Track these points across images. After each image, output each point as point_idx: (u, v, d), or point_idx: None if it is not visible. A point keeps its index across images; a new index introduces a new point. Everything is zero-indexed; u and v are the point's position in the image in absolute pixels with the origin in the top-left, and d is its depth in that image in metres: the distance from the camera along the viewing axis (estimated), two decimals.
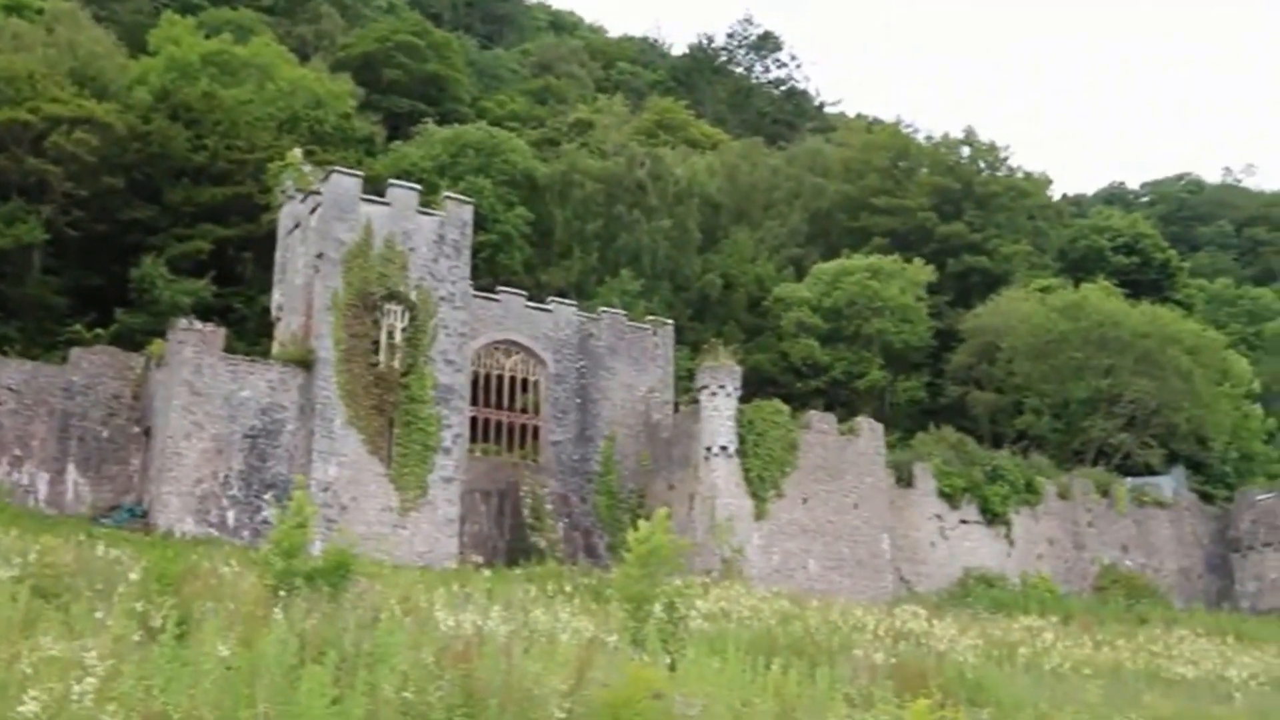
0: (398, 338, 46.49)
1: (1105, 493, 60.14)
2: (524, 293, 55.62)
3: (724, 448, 49.37)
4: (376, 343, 46.13)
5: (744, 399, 51.04)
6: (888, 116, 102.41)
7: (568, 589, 31.93)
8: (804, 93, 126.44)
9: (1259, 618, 53.88)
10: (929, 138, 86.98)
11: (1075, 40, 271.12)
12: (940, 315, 72.14)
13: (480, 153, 66.96)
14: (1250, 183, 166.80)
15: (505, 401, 53.59)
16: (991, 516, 56.67)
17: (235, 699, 11.62)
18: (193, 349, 44.63)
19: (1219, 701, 25.77)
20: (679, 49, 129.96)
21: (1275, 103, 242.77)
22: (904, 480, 55.23)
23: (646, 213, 68.14)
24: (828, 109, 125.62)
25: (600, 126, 78.18)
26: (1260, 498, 61.43)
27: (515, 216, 65.54)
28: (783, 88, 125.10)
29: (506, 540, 50.19)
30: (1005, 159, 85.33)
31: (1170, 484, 63.25)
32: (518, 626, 21.16)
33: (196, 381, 44.38)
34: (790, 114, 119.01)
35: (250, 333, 53.28)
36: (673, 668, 17.80)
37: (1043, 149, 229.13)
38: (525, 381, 54.27)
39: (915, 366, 70.51)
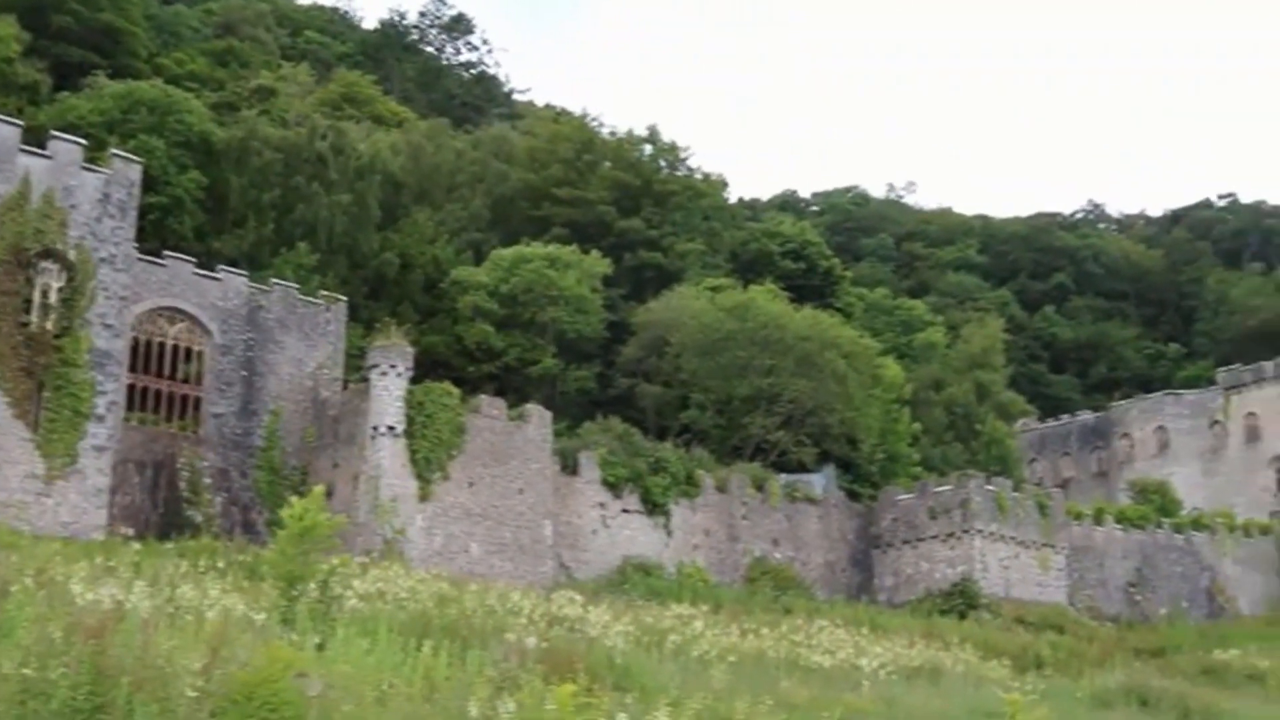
0: (53, 298, 44.23)
1: (760, 487, 62.33)
2: (193, 259, 53.81)
3: (391, 428, 48.99)
4: (29, 302, 43.77)
5: (415, 380, 50.77)
6: (575, 109, 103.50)
7: (220, 565, 31.15)
8: (494, 78, 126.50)
9: (894, 610, 56.90)
10: (613, 133, 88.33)
11: (758, 50, 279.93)
12: (614, 308, 73.27)
13: (154, 111, 64.34)
14: (911, 199, 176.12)
15: (166, 370, 51.76)
16: (652, 506, 57.99)
17: None
18: None
19: (850, 689, 27.12)
20: (370, 23, 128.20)
21: (935, 124, 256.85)
22: (569, 468, 55.96)
23: (326, 186, 66.81)
24: (516, 96, 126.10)
25: (283, 95, 76.25)
26: (901, 497, 64.79)
27: (188, 180, 63.33)
28: (473, 71, 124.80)
29: (160, 513, 48.53)
30: (685, 159, 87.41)
31: (821, 481, 65.97)
32: (162, 603, 20.54)
33: None
34: (479, 98, 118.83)
35: None
36: (322, 647, 17.62)
37: (722, 153, 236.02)
38: (188, 351, 52.56)
39: (587, 357, 71.40)
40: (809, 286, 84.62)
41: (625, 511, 57.31)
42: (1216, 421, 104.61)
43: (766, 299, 71.12)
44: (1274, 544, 77.59)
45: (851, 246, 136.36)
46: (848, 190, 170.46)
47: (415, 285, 70.08)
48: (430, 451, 49.78)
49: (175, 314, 52.23)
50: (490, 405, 53.10)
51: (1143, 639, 55.85)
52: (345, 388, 54.44)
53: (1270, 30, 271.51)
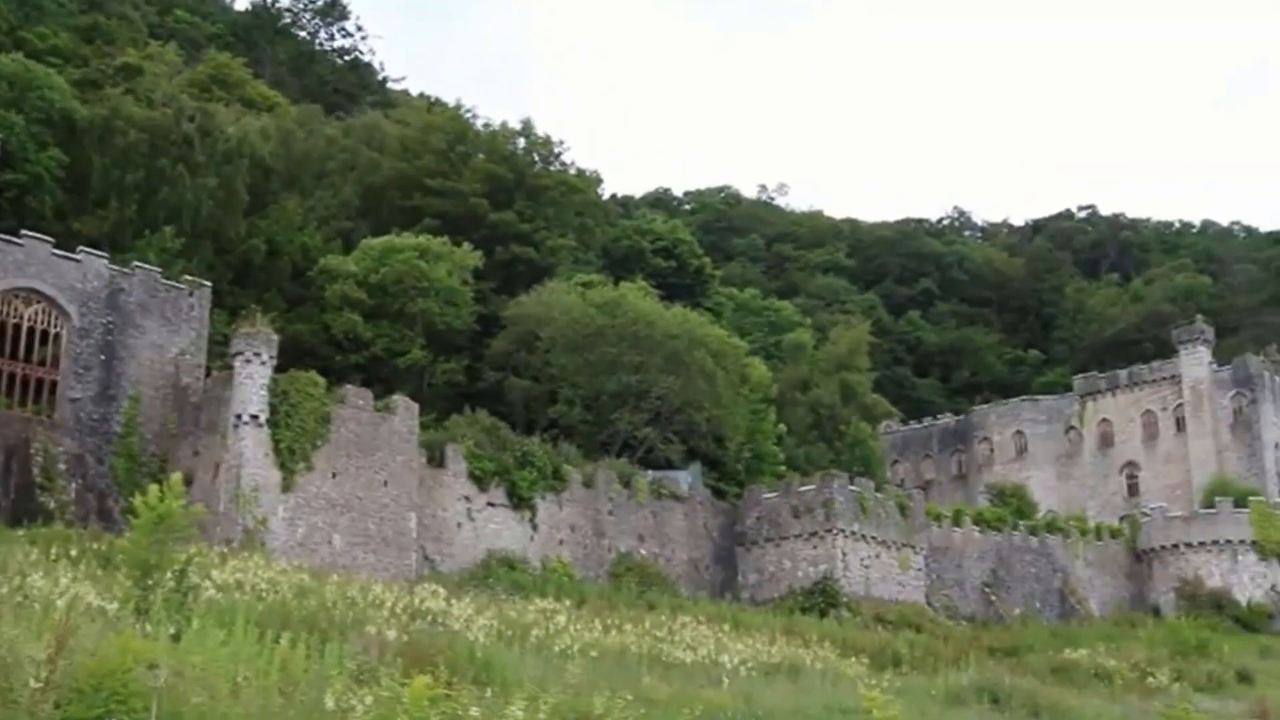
0: None
1: (627, 483, 62.46)
2: (51, 240, 52.46)
3: (254, 416, 48.26)
4: None
5: (280, 369, 50.08)
6: (449, 99, 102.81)
7: (74, 553, 30.43)
8: (368, 65, 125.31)
9: (757, 608, 57.36)
10: (487, 125, 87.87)
11: (634, 47, 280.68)
12: (484, 300, 72.89)
13: (14, 86, 62.50)
14: (782, 201, 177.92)
15: (21, 353, 50.45)
16: (518, 501, 57.79)
17: None
18: None
19: (711, 685, 27.29)
20: (241, 4, 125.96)
21: (808, 127, 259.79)
22: (436, 460, 55.57)
23: (192, 169, 65.47)
24: (390, 85, 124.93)
25: (150, 74, 74.52)
26: (766, 496, 65.31)
27: (48, 158, 61.69)
28: (346, 58, 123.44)
29: (12, 499, 47.28)
30: (559, 154, 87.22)
31: (687, 478, 66.27)
32: (10, 591, 20.01)
33: None
34: (352, 85, 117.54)
35: None
36: (177, 638, 17.28)
37: (596, 149, 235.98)
38: (45, 333, 51.29)
39: (456, 349, 70.95)
40: (679, 285, 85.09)
41: (491, 505, 57.05)
42: (1072, 427, 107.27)
43: (637, 296, 71.28)
44: (1124, 547, 79.75)
45: (722, 246, 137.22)
46: (720, 190, 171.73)
47: (282, 273, 69.08)
48: (294, 441, 49.13)
49: (32, 295, 50.92)
50: (356, 395, 52.56)
51: (997, 638, 56.97)
52: (208, 375, 53.50)
53: (1130, 48, 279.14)
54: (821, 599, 59.67)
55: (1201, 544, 76.69)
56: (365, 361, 65.92)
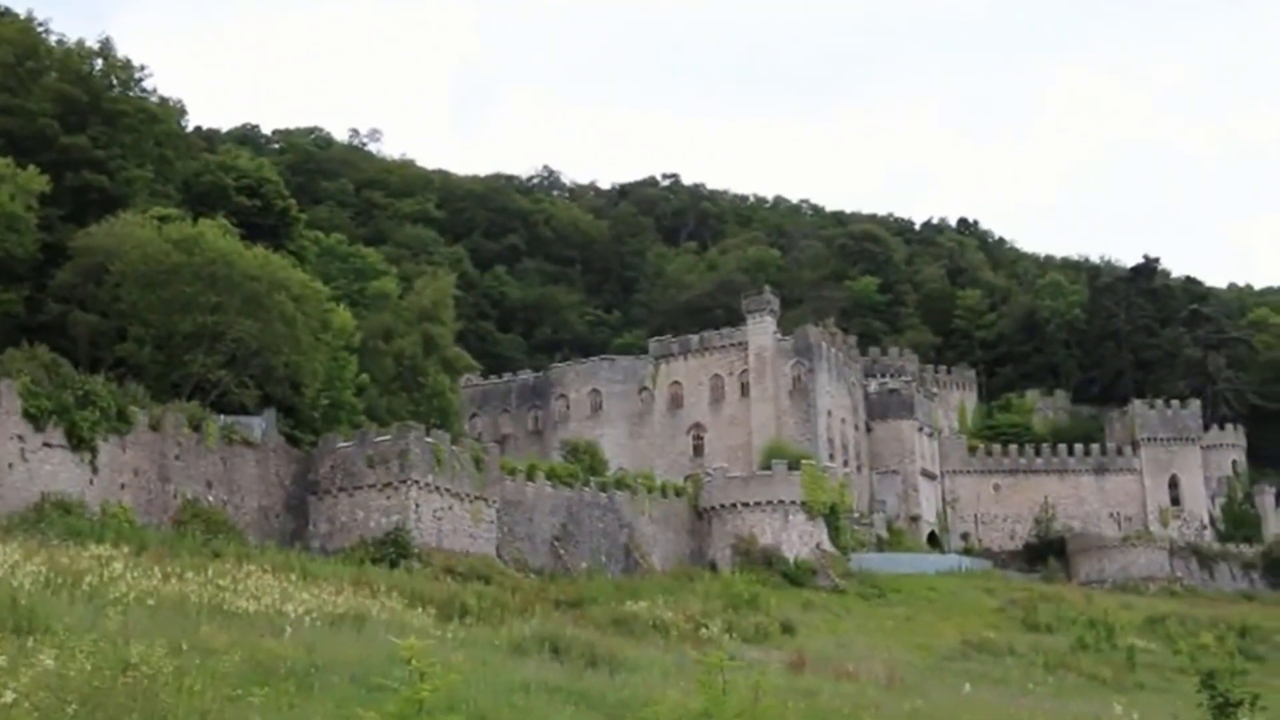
0: None
1: (197, 428, 60.47)
2: None
3: None
4: None
5: None
6: (20, 9, 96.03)
7: None
8: None
9: (327, 558, 56.77)
10: (61, 41, 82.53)
11: None
12: (51, 229, 68.69)
13: None
14: (374, 148, 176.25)
15: None
16: (78, 442, 54.98)
17: None
18: None
19: (273, 634, 26.87)
20: None
21: (403, 73, 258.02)
22: None
23: None
24: None
25: None
26: (341, 445, 64.68)
27: None
28: None
29: None
30: (140, 80, 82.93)
31: (261, 424, 64.80)
32: None
33: None
34: None
35: None
36: None
37: (181, 77, 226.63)
38: None
39: (17, 279, 66.65)
40: (263, 225, 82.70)
41: (47, 446, 54.00)
42: (645, 388, 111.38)
43: (217, 234, 68.83)
44: (687, 505, 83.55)
45: (310, 188, 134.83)
46: (310, 131, 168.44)
47: None
48: None
49: None
50: None
51: (563, 590, 58.66)
52: None
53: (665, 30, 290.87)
54: (393, 550, 59.66)
55: (757, 504, 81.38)
56: None
